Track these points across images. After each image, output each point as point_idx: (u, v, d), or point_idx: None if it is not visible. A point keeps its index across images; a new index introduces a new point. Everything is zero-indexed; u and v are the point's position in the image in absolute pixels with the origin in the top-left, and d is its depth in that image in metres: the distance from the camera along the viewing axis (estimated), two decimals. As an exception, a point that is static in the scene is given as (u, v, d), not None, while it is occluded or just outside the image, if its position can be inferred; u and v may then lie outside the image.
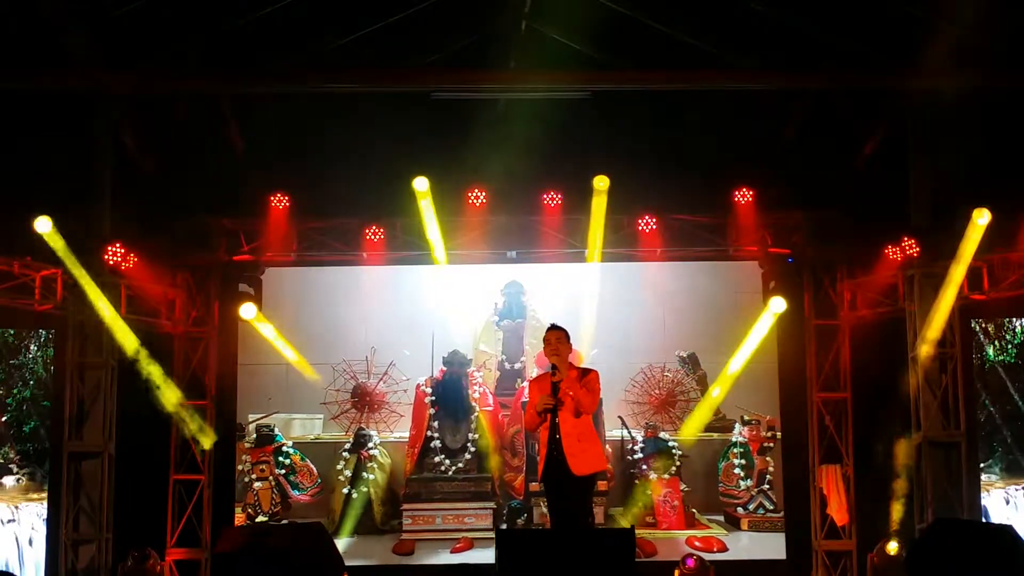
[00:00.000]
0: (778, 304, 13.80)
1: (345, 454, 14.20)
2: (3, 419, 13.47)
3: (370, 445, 14.19)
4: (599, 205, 13.55)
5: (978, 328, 14.15)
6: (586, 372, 9.61)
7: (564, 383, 9.29)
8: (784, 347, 14.25)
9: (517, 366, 14.40)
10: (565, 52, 13.10)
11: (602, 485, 13.42)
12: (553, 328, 9.67)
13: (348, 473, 14.15)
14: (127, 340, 12.82)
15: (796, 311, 14.11)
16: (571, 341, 9.72)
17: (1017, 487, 13.76)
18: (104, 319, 12.69)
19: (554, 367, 9.45)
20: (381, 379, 14.28)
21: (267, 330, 14.05)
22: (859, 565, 13.53)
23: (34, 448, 13.68)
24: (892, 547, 12.86)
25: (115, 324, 12.72)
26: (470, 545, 13.90)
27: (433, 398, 14.28)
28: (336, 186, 13.86)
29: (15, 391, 13.68)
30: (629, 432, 13.88)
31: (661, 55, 12.83)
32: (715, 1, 12.46)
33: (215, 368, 14.12)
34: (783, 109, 13.73)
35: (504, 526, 13.87)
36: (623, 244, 14.10)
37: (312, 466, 14.22)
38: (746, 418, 14.24)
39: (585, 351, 13.71)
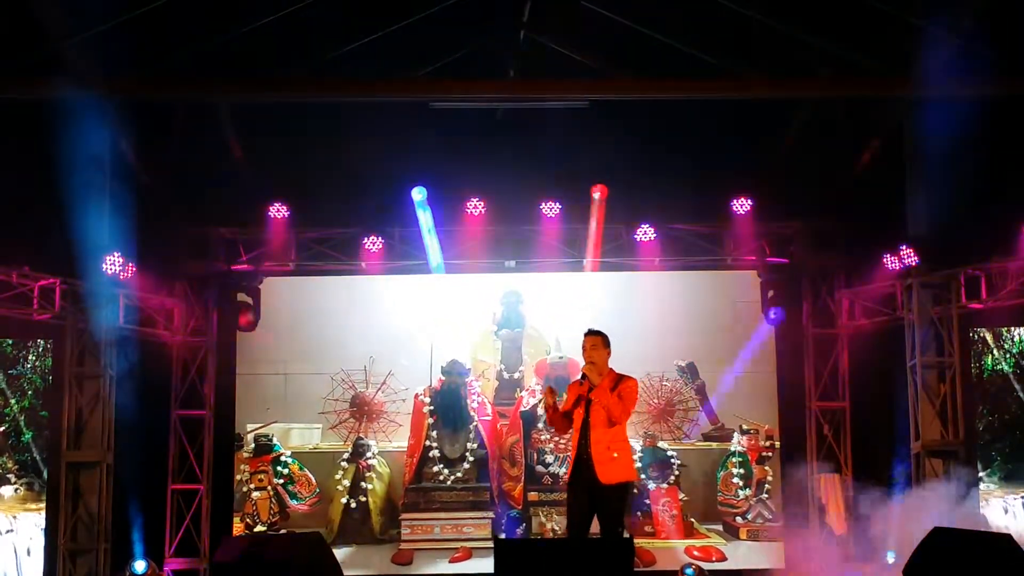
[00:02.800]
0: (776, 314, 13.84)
1: (343, 464, 14.18)
2: (1, 429, 13.44)
3: (368, 455, 14.18)
4: (597, 215, 13.59)
5: (976, 337, 14.13)
6: (621, 379, 9.30)
7: (595, 393, 9.15)
8: (782, 356, 14.25)
9: (516, 376, 14.38)
10: (563, 62, 13.11)
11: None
12: (588, 333, 9.35)
13: (347, 483, 14.13)
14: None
15: (794, 320, 14.12)
16: (609, 345, 9.32)
17: (1016, 496, 13.73)
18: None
19: (584, 375, 9.28)
20: (379, 389, 14.27)
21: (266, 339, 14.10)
22: (858, 574, 13.53)
23: (32, 458, 13.64)
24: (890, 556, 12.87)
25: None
26: (469, 555, 13.89)
27: (432, 408, 14.27)
28: (335, 196, 13.87)
29: (13, 401, 13.64)
30: (627, 441, 13.87)
31: (659, 65, 12.84)
32: (713, 11, 12.47)
33: (213, 378, 14.13)
34: (781, 119, 13.74)
35: (503, 535, 13.86)
36: (621, 254, 14.13)
37: (311, 476, 14.20)
38: (744, 427, 14.23)
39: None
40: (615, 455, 9.10)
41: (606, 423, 9.09)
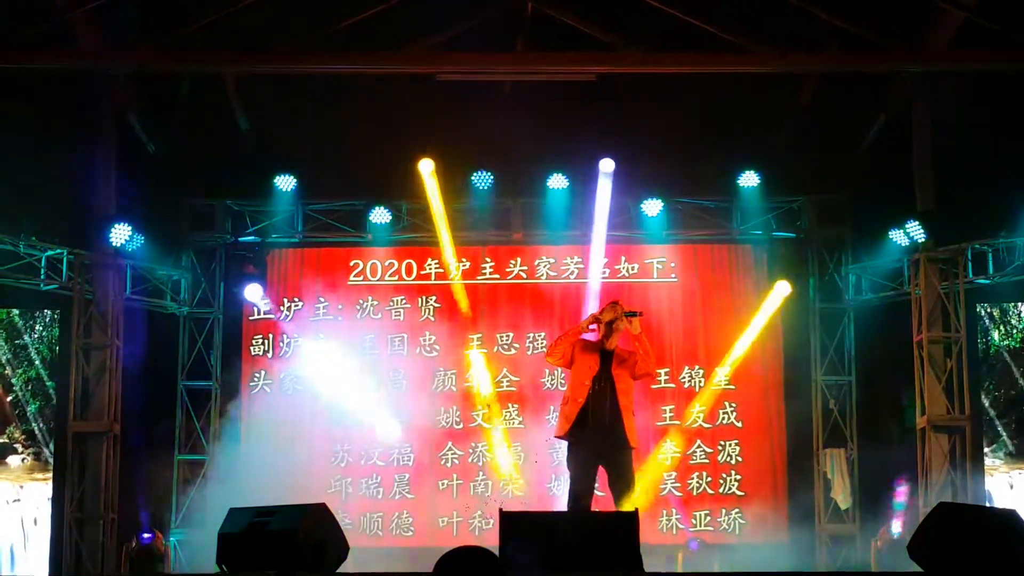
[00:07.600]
0: (783, 288, 13.76)
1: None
2: (8, 399, 13.47)
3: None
4: (605, 188, 13.56)
5: (983, 313, 14.09)
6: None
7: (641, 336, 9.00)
8: (789, 331, 14.23)
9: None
10: (572, 34, 13.05)
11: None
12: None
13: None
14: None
15: (801, 295, 14.10)
16: None
17: (1021, 472, 13.72)
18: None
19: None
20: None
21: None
22: (862, 549, 13.54)
23: (39, 428, 13.66)
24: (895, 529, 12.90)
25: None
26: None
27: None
28: (342, 168, 13.84)
29: (20, 371, 13.66)
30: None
31: (666, 38, 12.79)
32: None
33: (220, 348, 14.15)
34: (788, 93, 13.69)
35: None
36: (629, 227, 14.10)
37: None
38: (750, 401, 14.23)
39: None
40: (632, 417, 8.93)
41: (629, 387, 8.95)
